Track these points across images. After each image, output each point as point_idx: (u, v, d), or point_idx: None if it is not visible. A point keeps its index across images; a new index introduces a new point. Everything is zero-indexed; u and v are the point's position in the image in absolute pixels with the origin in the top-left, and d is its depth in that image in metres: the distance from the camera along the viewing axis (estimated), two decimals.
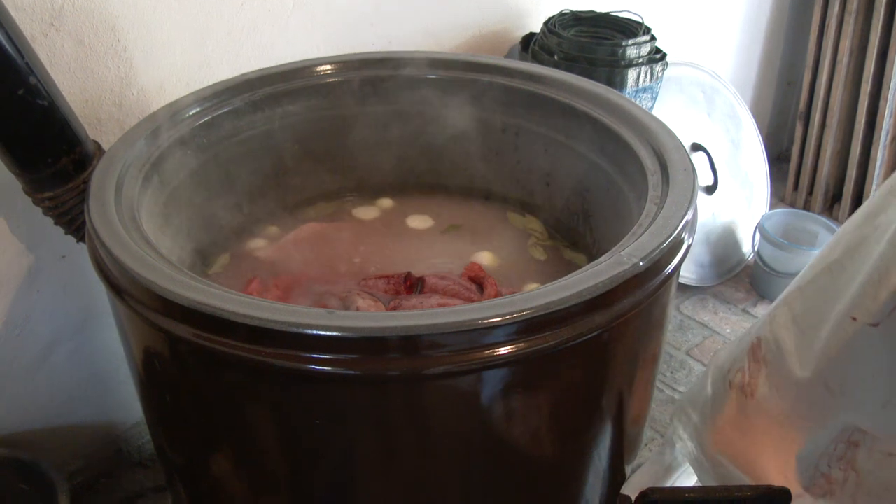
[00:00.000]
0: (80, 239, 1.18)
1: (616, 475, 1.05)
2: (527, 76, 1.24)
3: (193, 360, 0.83)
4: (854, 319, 1.03)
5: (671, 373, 1.86)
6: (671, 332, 1.99)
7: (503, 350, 0.75)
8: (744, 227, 2.21)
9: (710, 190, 2.10)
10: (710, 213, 2.11)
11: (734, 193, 2.18)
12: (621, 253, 0.81)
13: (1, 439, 1.35)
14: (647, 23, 1.66)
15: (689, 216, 0.88)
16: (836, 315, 1.06)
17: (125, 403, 1.52)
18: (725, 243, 2.17)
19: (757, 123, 2.25)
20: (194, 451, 0.98)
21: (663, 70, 1.62)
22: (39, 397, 1.39)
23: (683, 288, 2.09)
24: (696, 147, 2.08)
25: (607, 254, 0.82)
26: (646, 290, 0.82)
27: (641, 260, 0.79)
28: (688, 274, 2.07)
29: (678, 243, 0.85)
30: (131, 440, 1.56)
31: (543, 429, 0.85)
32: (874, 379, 1.05)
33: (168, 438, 1.02)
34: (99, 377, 1.47)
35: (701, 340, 1.97)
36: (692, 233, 0.90)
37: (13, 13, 1.01)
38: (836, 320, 1.06)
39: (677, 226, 0.85)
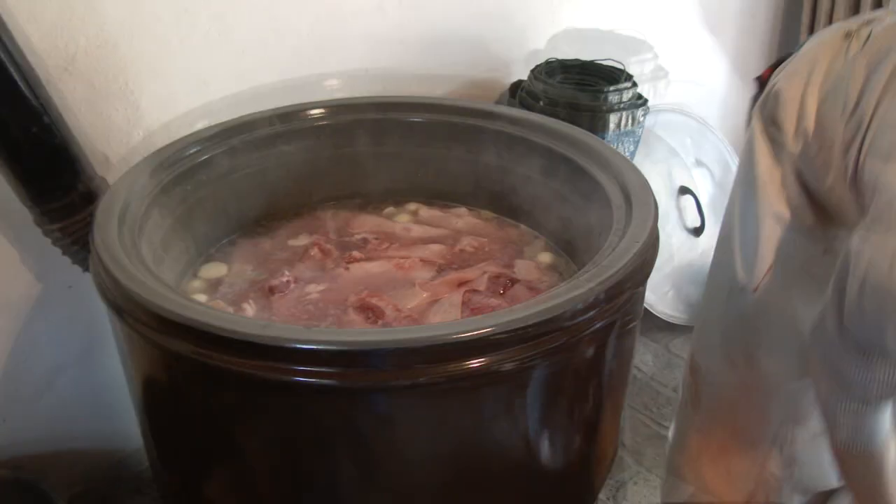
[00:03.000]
0: (87, 269, 1.25)
1: (586, 498, 1.10)
2: (509, 120, 1.32)
3: (187, 373, 0.89)
4: (742, 289, 1.04)
5: (658, 409, 1.89)
6: (660, 370, 2.03)
7: (473, 364, 0.80)
8: None
9: (698, 232, 2.16)
10: (697, 254, 2.16)
11: None
12: (580, 278, 0.87)
13: (5, 461, 1.40)
14: (630, 70, 1.73)
15: (646, 243, 0.94)
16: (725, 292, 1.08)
17: (125, 430, 1.56)
18: None
19: None
20: (187, 461, 1.04)
21: (644, 115, 1.69)
22: (43, 422, 1.44)
23: (672, 327, 2.14)
24: (684, 190, 2.15)
25: (567, 280, 0.88)
26: (605, 312, 0.87)
27: (598, 284, 0.86)
28: (676, 313, 2.12)
29: (636, 270, 0.91)
30: (130, 466, 1.60)
31: (509, 442, 0.90)
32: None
33: (162, 449, 1.07)
34: (100, 404, 1.52)
35: None
36: (651, 260, 0.96)
37: (29, 57, 1.10)
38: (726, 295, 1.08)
39: (633, 252, 0.91)
